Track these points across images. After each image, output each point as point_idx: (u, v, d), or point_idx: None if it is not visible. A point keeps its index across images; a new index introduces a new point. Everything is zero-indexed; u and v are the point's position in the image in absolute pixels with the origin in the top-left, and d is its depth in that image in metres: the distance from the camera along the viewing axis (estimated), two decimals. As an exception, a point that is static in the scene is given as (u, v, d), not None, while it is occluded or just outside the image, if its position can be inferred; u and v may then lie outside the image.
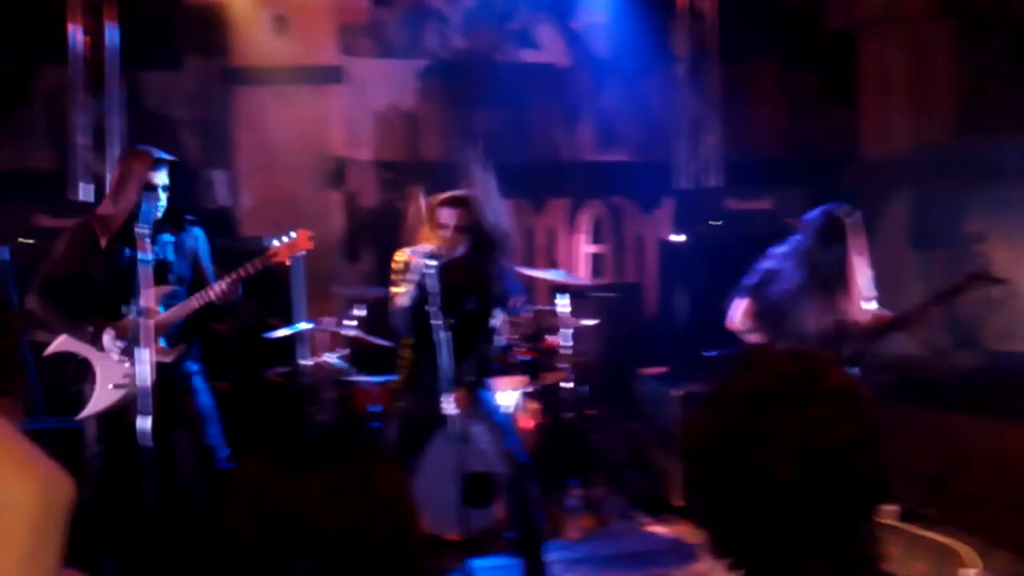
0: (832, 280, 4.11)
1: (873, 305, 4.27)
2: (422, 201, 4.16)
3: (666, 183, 7.70)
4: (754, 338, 4.23)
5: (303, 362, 5.51)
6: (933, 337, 6.95)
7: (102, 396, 3.92)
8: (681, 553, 4.86)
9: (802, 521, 1.16)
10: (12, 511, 1.64)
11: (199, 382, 4.16)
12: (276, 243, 4.10)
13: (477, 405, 4.08)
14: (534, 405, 5.53)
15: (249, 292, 5.45)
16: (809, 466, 1.15)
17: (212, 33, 6.76)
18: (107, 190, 4.49)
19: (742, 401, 1.20)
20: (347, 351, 5.48)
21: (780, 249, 4.30)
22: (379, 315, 4.98)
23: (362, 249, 7.18)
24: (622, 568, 4.70)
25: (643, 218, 7.91)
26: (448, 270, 3.93)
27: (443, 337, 3.82)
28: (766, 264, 4.30)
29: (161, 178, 3.96)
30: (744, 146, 7.69)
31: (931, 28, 7.64)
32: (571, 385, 5.84)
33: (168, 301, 4.01)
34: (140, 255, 3.68)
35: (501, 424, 4.12)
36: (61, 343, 3.96)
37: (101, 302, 3.97)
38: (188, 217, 4.16)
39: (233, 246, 5.50)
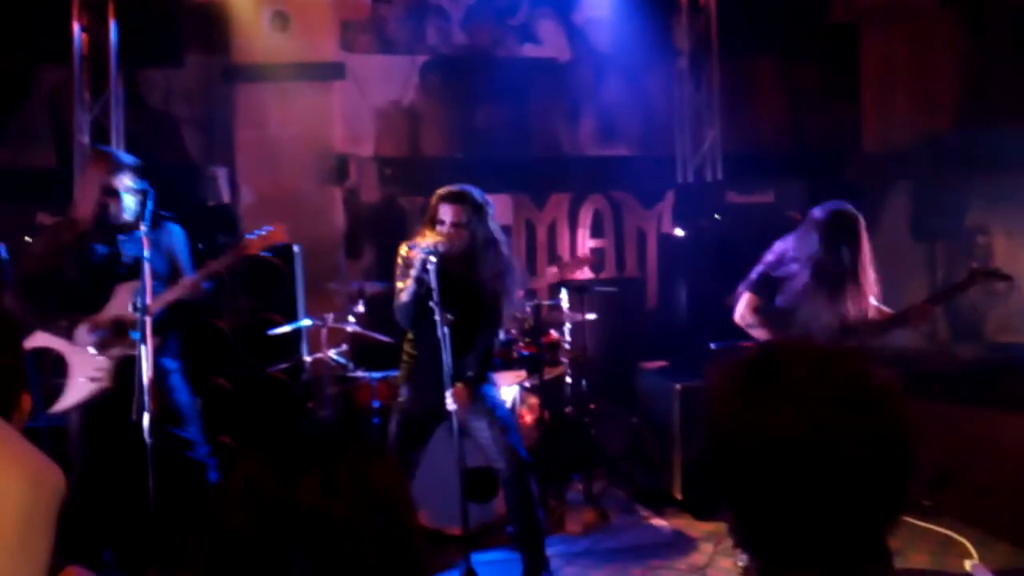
0: (841, 278, 4.07)
1: (875, 301, 4.26)
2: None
3: (667, 177, 7.71)
4: (759, 333, 4.21)
5: (304, 358, 5.53)
6: (934, 330, 6.97)
7: (76, 389, 3.99)
8: (682, 546, 4.88)
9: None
10: (2, 503, 1.66)
11: (176, 380, 4.19)
12: (250, 237, 4.12)
13: (478, 400, 4.08)
14: (535, 400, 5.55)
15: (250, 288, 5.51)
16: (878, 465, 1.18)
17: (213, 30, 6.76)
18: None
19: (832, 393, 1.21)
20: (348, 347, 5.50)
21: (784, 243, 4.25)
22: (379, 311, 5.00)
23: (363, 245, 7.19)
24: (623, 561, 4.70)
25: (644, 212, 7.91)
26: (448, 265, 3.95)
27: (443, 332, 3.83)
28: (770, 258, 4.25)
29: (122, 182, 4.01)
30: (745, 140, 7.69)
31: (932, 21, 7.63)
32: (572, 380, 5.86)
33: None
34: (138, 253, 3.74)
35: (502, 419, 4.12)
36: (36, 339, 4.02)
37: (75, 299, 4.03)
38: (164, 213, 4.18)
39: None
